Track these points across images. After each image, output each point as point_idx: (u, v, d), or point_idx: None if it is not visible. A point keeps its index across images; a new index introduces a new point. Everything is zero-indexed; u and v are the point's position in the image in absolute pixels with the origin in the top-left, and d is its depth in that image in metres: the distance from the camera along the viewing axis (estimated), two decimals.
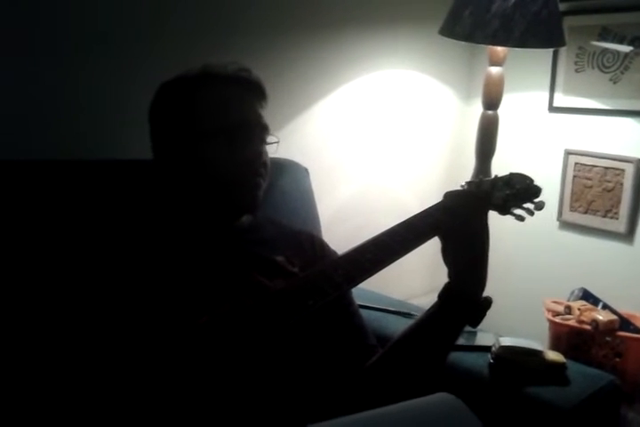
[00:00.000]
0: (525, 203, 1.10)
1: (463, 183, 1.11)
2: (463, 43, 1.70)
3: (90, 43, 1.36)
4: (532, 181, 1.12)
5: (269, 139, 1.09)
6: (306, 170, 1.57)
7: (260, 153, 1.04)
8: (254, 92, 1.07)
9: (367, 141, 1.98)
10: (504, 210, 1.09)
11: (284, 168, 1.50)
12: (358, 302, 1.15)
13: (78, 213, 1.16)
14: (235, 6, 1.58)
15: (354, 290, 1.11)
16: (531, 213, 1.10)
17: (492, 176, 1.13)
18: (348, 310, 1.09)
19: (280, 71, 1.69)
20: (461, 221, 0.97)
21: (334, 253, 1.15)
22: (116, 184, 1.24)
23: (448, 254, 0.99)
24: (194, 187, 1.05)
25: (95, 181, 1.24)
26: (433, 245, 1.01)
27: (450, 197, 1.02)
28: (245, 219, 1.12)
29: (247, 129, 1.03)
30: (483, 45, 1.74)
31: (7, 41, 1.26)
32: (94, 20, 1.36)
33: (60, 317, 0.91)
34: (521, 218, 1.10)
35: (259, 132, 1.06)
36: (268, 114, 1.14)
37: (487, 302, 0.97)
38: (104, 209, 1.18)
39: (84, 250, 1.01)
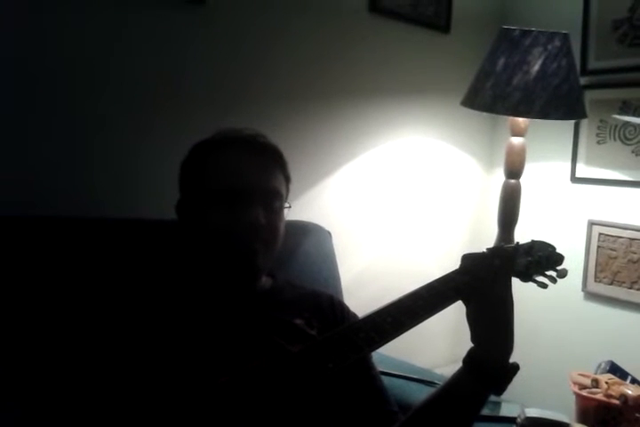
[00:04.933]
0: (548, 270, 1.10)
1: (485, 250, 1.11)
2: (485, 113, 1.74)
3: (108, 106, 1.40)
4: (554, 248, 1.12)
5: (285, 204, 1.11)
6: (329, 233, 1.59)
7: (256, 217, 1.03)
8: (269, 157, 1.10)
9: (390, 207, 2.01)
10: (526, 277, 1.09)
11: (308, 231, 1.52)
12: (380, 368, 1.13)
13: (102, 272, 1.17)
14: (264, 75, 1.65)
15: (376, 356, 1.10)
16: (553, 280, 1.09)
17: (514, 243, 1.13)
18: (369, 374, 1.07)
19: (306, 136, 1.75)
20: (482, 283, 0.96)
21: (354, 315, 1.14)
22: (139, 243, 1.26)
23: (471, 318, 0.98)
24: (202, 248, 1.08)
25: (119, 239, 1.25)
26: (456, 315, 1.00)
27: (468, 259, 1.02)
28: (265, 281, 1.13)
29: (249, 193, 1.04)
30: (504, 116, 1.79)
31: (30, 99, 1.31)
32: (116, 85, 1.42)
33: (78, 378, 0.91)
34: (543, 285, 1.09)
35: (263, 196, 1.06)
36: (293, 177, 1.17)
37: (514, 368, 0.95)
38: (127, 269, 1.19)
39: (104, 310, 1.02)
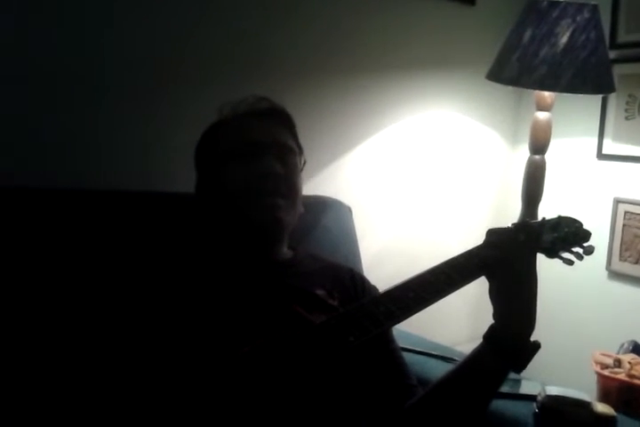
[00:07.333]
0: (574, 247, 1.08)
1: (510, 225, 1.09)
2: (510, 87, 1.70)
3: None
4: (581, 224, 1.10)
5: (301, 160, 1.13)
6: (349, 208, 1.57)
7: (272, 166, 1.04)
8: (275, 117, 1.12)
9: (412, 182, 1.98)
10: (552, 253, 1.07)
11: (328, 206, 1.51)
12: (400, 344, 1.13)
13: (124, 243, 1.18)
14: (284, 47, 1.63)
15: (396, 332, 1.10)
16: (580, 257, 1.07)
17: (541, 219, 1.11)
18: (389, 348, 1.07)
19: (328, 109, 1.72)
20: (506, 258, 0.95)
21: (374, 287, 1.14)
22: (160, 216, 1.26)
23: (494, 293, 0.96)
24: (222, 215, 1.08)
25: (140, 212, 1.26)
26: (478, 291, 0.99)
27: (493, 234, 1.01)
28: (286, 253, 1.13)
29: (261, 145, 1.06)
30: (530, 90, 1.75)
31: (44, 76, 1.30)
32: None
33: (103, 349, 0.92)
34: (570, 262, 1.07)
35: (276, 149, 1.07)
36: (314, 151, 1.16)
37: (535, 346, 0.94)
38: (149, 241, 1.19)
39: (127, 280, 1.02)
